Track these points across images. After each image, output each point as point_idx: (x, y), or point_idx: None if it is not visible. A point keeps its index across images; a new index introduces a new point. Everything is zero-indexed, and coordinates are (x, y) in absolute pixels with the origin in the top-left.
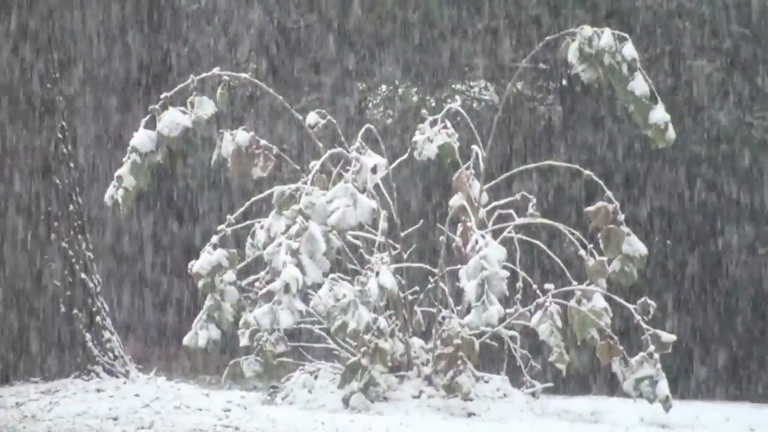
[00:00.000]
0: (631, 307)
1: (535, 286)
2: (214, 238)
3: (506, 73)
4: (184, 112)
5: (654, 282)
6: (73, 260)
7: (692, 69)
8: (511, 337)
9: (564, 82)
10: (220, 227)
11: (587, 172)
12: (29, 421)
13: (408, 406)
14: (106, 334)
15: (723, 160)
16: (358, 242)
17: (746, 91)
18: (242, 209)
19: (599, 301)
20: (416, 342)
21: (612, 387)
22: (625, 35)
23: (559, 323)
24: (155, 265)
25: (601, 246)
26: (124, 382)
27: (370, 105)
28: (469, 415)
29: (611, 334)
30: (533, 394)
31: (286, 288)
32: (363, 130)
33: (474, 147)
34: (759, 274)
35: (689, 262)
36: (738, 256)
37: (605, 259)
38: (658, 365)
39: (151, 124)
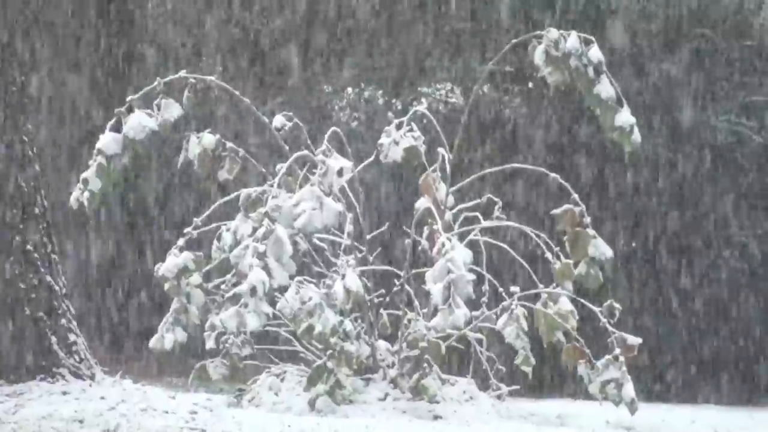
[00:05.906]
0: (596, 309)
1: (501, 289)
2: (181, 241)
3: (473, 75)
4: (150, 115)
5: (618, 284)
6: (39, 263)
7: (658, 71)
8: (478, 340)
9: (530, 85)
10: (186, 230)
11: (553, 175)
12: None
13: (374, 409)
14: (72, 337)
15: (687, 162)
16: (324, 245)
17: (710, 93)
18: (209, 212)
19: (565, 304)
20: (382, 345)
21: (578, 390)
22: (591, 38)
23: (525, 326)
24: (120, 267)
25: (568, 249)
26: (90, 385)
27: (336, 108)
28: (435, 417)
29: (577, 337)
30: (499, 397)
31: (253, 291)
32: (329, 132)
33: (440, 149)
34: (725, 276)
35: (655, 264)
36: (704, 259)
37: (571, 261)
38: (624, 368)
39: (118, 127)
